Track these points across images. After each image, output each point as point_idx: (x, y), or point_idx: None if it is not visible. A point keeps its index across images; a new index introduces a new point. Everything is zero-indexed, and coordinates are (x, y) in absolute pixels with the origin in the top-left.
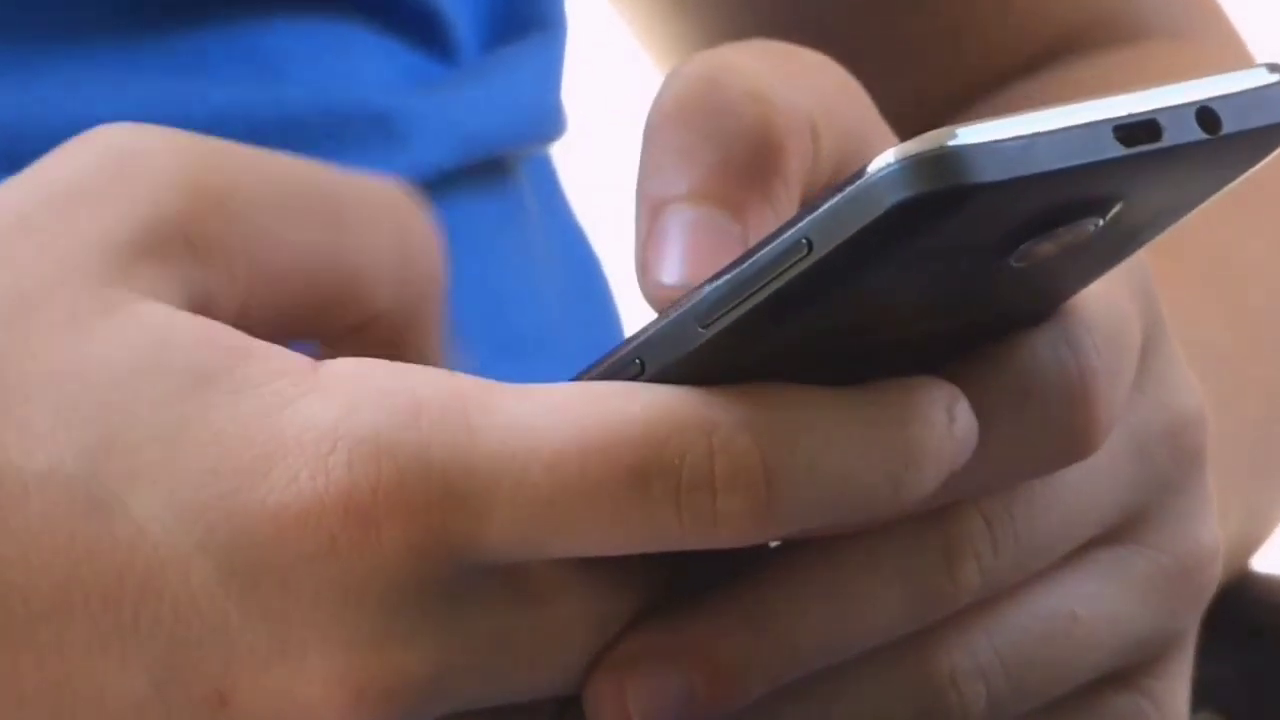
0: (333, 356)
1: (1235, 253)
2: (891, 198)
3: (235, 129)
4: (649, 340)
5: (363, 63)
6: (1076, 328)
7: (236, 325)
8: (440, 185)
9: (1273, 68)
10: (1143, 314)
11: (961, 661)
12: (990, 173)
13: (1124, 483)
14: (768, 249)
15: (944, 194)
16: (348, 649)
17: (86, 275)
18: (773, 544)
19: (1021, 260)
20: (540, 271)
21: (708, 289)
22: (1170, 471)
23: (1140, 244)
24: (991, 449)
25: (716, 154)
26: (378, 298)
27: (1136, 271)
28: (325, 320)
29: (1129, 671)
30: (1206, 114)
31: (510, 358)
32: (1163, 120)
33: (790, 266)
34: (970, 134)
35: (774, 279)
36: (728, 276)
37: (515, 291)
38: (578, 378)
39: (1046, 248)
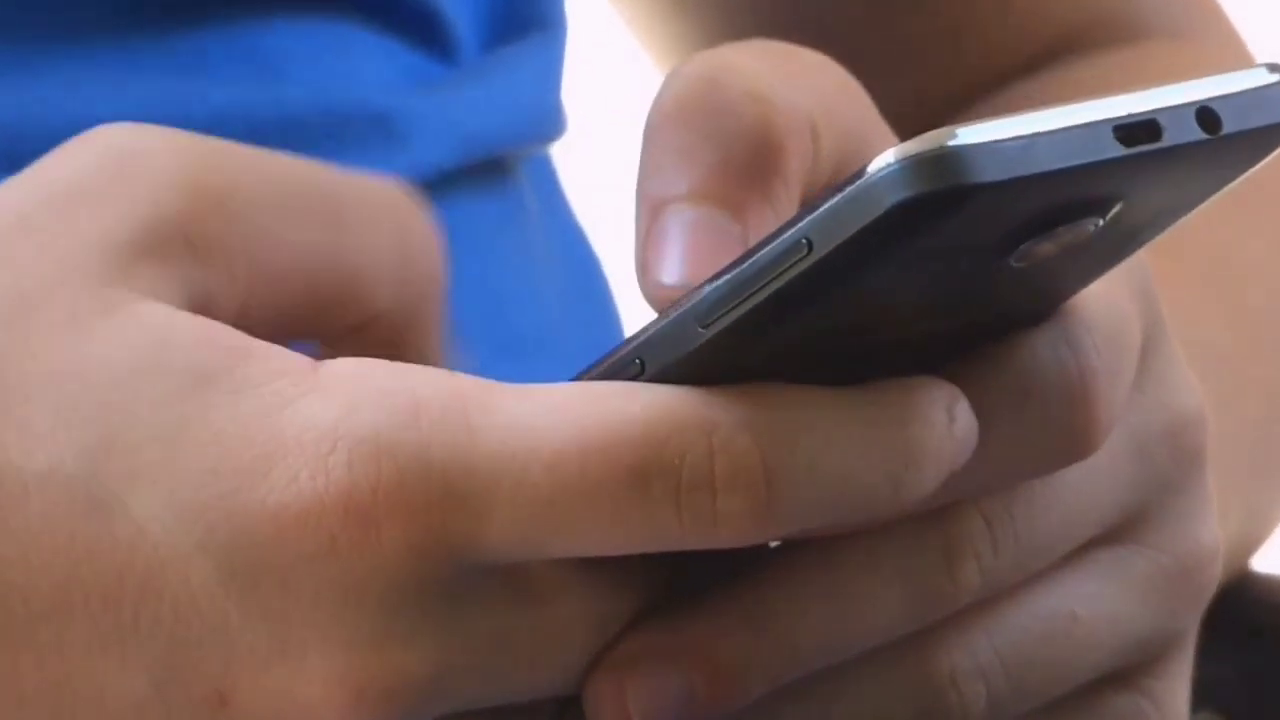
0: (333, 356)
1: (1235, 253)
2: (891, 198)
3: (235, 129)
4: (649, 340)
5: (363, 63)
6: (1076, 328)
7: (237, 325)
8: (440, 185)
9: (1273, 68)
10: (1142, 314)
11: (961, 661)
12: (990, 173)
13: (1124, 483)
14: (768, 249)
15: (944, 194)
16: (348, 649)
17: (86, 275)
18: (773, 544)
19: (1021, 260)
20: (540, 271)
21: (708, 289)
22: (1170, 471)
23: (1140, 244)
24: (991, 449)
25: (716, 154)
26: (378, 298)
27: (1136, 271)
28: (325, 320)
29: (1129, 671)
30: (1206, 114)
31: (510, 358)
32: (1163, 120)
33: (790, 266)
34: (970, 134)
35: (774, 279)
36: (728, 276)
37: (515, 291)
38: (578, 378)
39: (1046, 248)
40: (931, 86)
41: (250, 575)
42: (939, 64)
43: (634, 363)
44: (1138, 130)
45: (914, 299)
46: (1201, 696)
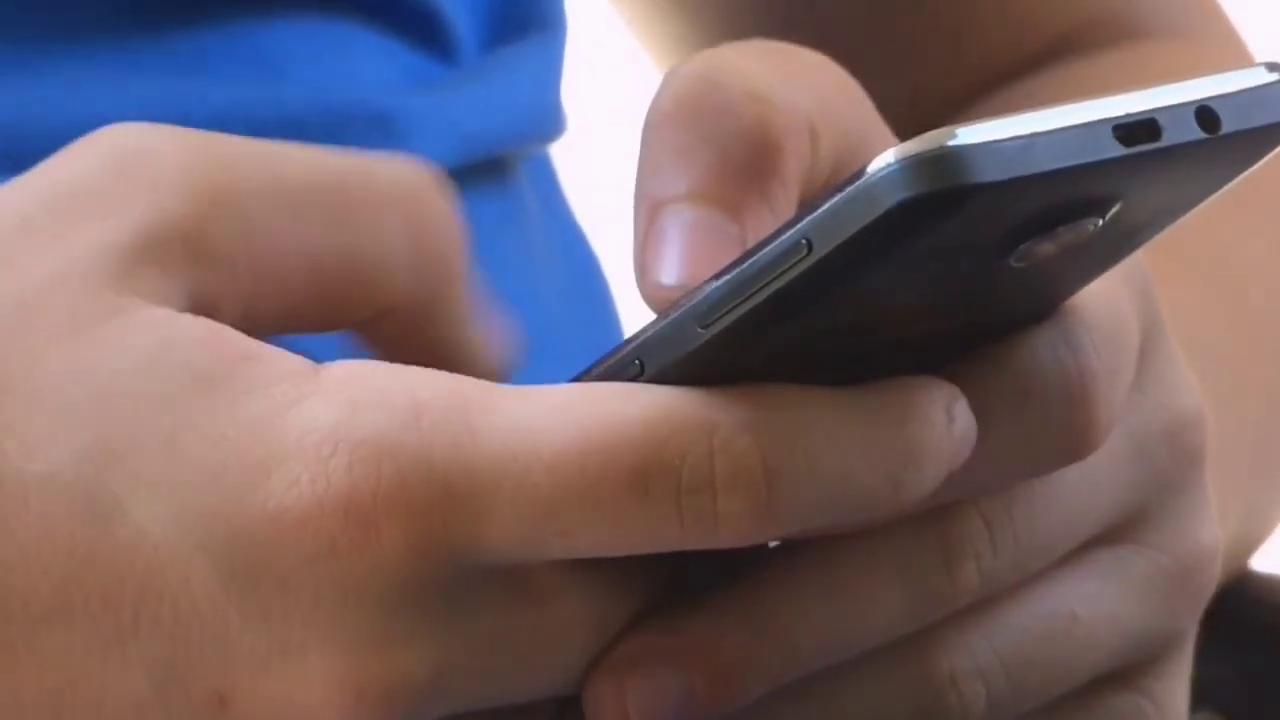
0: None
1: (1235, 253)
2: (891, 198)
3: (235, 129)
4: (649, 341)
5: (363, 63)
6: (1076, 328)
7: (242, 326)
8: None
9: (1272, 67)
10: (1141, 314)
11: (961, 662)
12: (990, 173)
13: (1123, 483)
14: (768, 249)
15: (944, 194)
16: (347, 650)
17: (87, 279)
18: (772, 544)
19: (1021, 260)
20: (540, 271)
21: (707, 289)
22: (1169, 471)
23: (1139, 244)
24: (991, 449)
25: (715, 154)
26: (390, 288)
27: (1135, 271)
28: (335, 314)
29: (1128, 671)
30: (1206, 113)
31: None
32: (1162, 120)
33: (790, 267)
34: (970, 134)
35: (774, 279)
36: (727, 277)
37: (515, 291)
38: (577, 378)
39: (1046, 248)
40: (931, 86)
41: (250, 577)
42: (939, 64)
43: (634, 363)
44: (1137, 130)
45: (914, 299)
46: (1201, 696)
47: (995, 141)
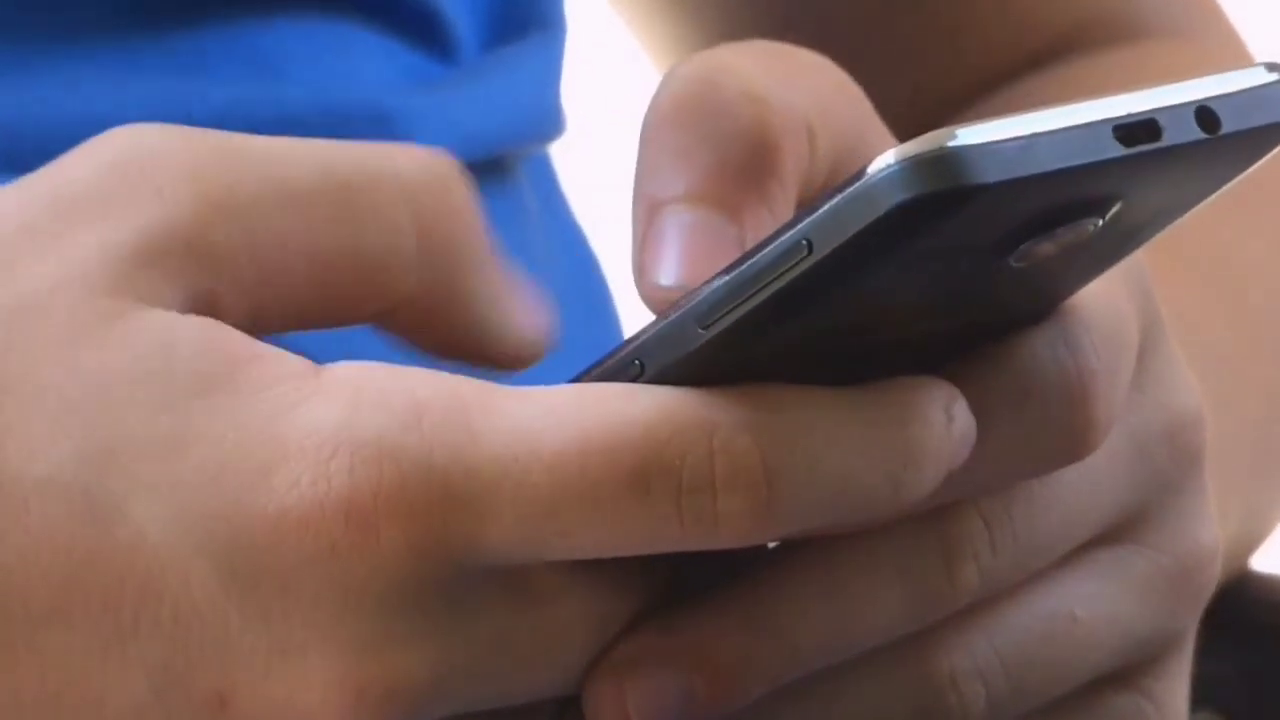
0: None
1: (1235, 253)
2: (892, 199)
3: (235, 129)
4: (649, 341)
5: (363, 63)
6: (1075, 328)
7: (249, 326)
8: None
9: (1271, 67)
10: (1141, 314)
11: (961, 662)
12: (990, 173)
13: (1123, 483)
14: (768, 250)
15: (944, 195)
16: (347, 650)
17: (89, 283)
18: (771, 545)
19: (1021, 260)
20: (540, 271)
21: (707, 290)
22: (1169, 471)
23: (1139, 243)
24: (990, 449)
25: (713, 155)
26: (400, 282)
27: (1134, 271)
28: (345, 311)
29: (1129, 671)
30: (1206, 113)
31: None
32: (1162, 120)
33: (790, 268)
34: (970, 135)
35: (774, 280)
36: (727, 278)
37: None
38: (577, 379)
39: (1046, 248)
40: (931, 86)
41: (250, 578)
42: (938, 63)
43: (634, 364)
44: (1137, 130)
45: (914, 299)
46: (1201, 696)
47: (995, 142)
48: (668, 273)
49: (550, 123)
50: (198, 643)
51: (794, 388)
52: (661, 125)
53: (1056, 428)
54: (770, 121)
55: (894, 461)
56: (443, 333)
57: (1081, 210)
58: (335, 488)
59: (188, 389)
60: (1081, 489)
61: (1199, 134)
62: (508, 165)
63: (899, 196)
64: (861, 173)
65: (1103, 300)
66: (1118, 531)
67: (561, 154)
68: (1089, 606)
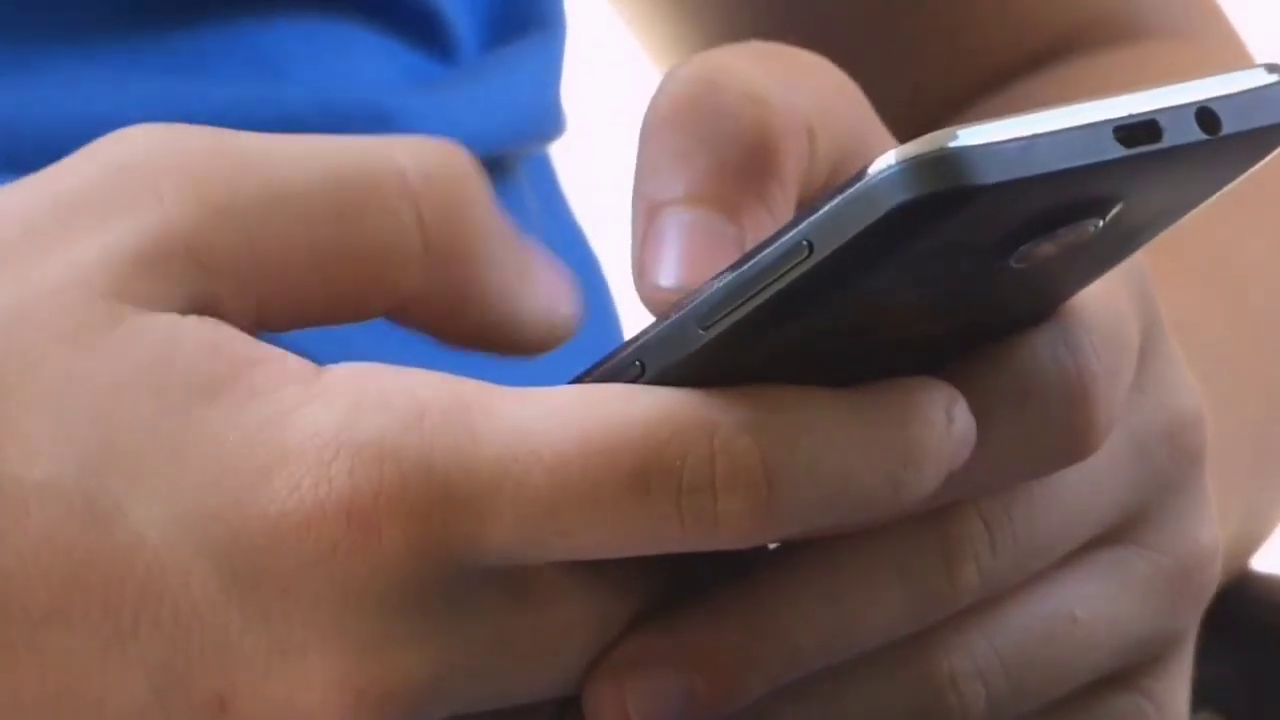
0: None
1: (1235, 253)
2: (892, 200)
3: (235, 129)
4: (649, 342)
5: (363, 63)
6: (1075, 329)
7: (252, 327)
8: None
9: (1272, 68)
10: (1141, 314)
11: (961, 662)
12: (991, 174)
13: (1123, 483)
14: (768, 251)
15: (945, 196)
16: (348, 651)
17: (89, 286)
18: (772, 545)
19: (1021, 261)
20: None
21: (708, 291)
22: (1169, 472)
23: (1140, 244)
24: (991, 449)
25: (713, 156)
26: (407, 278)
27: (1134, 272)
28: (350, 309)
29: (1129, 672)
30: (1206, 114)
31: (510, 358)
32: (1163, 121)
33: (791, 268)
34: (970, 135)
35: (774, 281)
36: (728, 278)
37: None
38: (578, 379)
39: (1046, 248)
40: (931, 86)
41: (250, 579)
42: (939, 63)
43: (634, 365)
44: (1138, 131)
45: (914, 300)
46: (1201, 696)
47: (996, 143)
48: (667, 273)
49: (550, 122)
50: (198, 643)
51: (794, 388)
52: (661, 126)
53: (1057, 428)
54: (770, 122)
55: (894, 462)
56: (460, 325)
57: (1082, 211)
58: (336, 489)
59: (188, 391)
60: (1082, 489)
61: (1200, 135)
62: (508, 165)
63: (899, 197)
64: (862, 173)
65: (1103, 301)
66: (1118, 532)
67: (561, 154)
68: (1089, 607)
